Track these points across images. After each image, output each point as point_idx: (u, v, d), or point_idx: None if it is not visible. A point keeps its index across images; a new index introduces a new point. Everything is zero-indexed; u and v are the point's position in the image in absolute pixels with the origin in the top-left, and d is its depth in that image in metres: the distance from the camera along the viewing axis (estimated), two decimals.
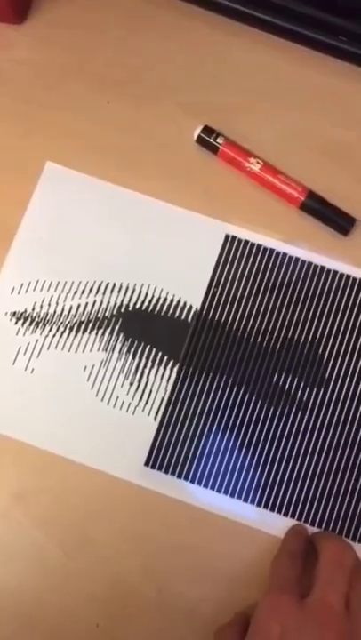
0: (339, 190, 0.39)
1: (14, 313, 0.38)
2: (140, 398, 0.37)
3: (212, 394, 0.37)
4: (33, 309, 0.38)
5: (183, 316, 0.38)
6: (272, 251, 0.39)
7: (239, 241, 0.39)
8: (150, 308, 0.38)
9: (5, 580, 0.35)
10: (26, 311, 0.38)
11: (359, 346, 0.37)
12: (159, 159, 0.40)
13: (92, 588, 0.35)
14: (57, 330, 0.38)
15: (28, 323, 0.38)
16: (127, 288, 0.38)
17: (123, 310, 0.38)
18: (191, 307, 0.38)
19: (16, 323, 0.38)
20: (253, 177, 0.39)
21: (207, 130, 0.39)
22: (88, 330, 0.38)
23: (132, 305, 0.38)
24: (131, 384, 0.37)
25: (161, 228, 0.39)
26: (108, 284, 0.38)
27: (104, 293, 0.38)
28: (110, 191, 0.39)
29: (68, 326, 0.38)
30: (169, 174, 0.40)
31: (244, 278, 0.38)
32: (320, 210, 0.38)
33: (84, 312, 0.38)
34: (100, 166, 0.40)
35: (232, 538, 0.35)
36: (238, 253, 0.39)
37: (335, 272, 0.38)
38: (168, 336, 0.38)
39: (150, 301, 0.38)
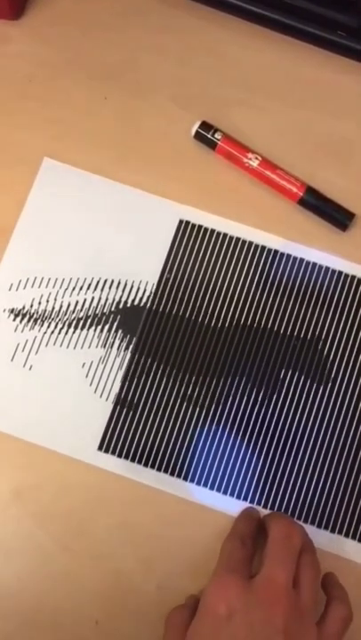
0: (337, 185, 0.39)
1: (12, 310, 0.38)
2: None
3: (170, 383, 0.37)
4: (31, 306, 0.38)
5: (140, 302, 0.38)
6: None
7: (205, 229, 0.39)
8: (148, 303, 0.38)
9: (4, 577, 0.35)
10: (24, 308, 0.38)
11: (302, 323, 0.38)
12: (157, 155, 0.40)
13: (90, 585, 0.35)
14: (55, 326, 0.38)
15: (26, 319, 0.38)
16: (125, 284, 0.38)
17: (121, 306, 0.38)
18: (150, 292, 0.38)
19: (14, 319, 0.38)
20: (252, 172, 0.39)
21: (205, 125, 0.39)
22: (87, 326, 0.38)
23: (130, 301, 0.38)
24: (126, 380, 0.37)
25: (160, 225, 0.39)
26: (106, 280, 0.38)
27: (102, 290, 0.38)
28: (108, 187, 0.39)
29: (67, 323, 0.38)
30: (167, 170, 0.39)
31: (197, 264, 0.38)
32: (319, 205, 0.38)
33: (82, 308, 0.38)
34: (98, 162, 0.39)
35: None
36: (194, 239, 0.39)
37: (289, 256, 0.38)
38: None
39: (148, 297, 0.38)
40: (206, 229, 0.39)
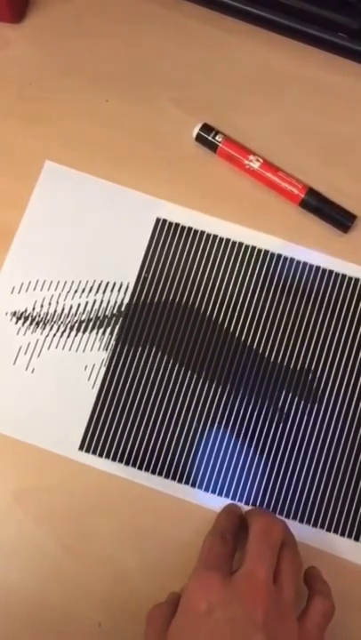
0: (339, 187, 0.39)
1: (15, 312, 0.38)
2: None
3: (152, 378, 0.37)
4: (33, 309, 0.38)
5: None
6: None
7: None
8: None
9: (6, 579, 0.35)
10: (26, 311, 0.38)
11: (289, 328, 0.38)
12: (158, 157, 0.40)
13: (93, 587, 0.35)
14: (57, 329, 0.38)
15: (28, 322, 0.38)
16: (127, 287, 0.38)
17: (123, 309, 0.38)
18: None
19: (16, 322, 0.38)
20: (253, 174, 0.39)
21: (206, 128, 0.39)
22: (89, 329, 0.38)
23: (132, 303, 0.38)
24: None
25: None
26: (108, 282, 0.38)
27: (104, 292, 0.38)
28: (110, 190, 0.39)
29: (69, 325, 0.38)
30: (168, 172, 0.39)
31: (175, 261, 0.38)
32: (320, 207, 0.38)
33: (84, 311, 0.38)
34: (100, 165, 0.39)
35: None
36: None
37: (271, 253, 0.38)
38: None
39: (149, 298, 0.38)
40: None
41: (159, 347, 0.37)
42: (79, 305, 0.38)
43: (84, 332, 0.38)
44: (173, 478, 0.36)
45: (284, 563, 0.31)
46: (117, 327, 0.38)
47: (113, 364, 0.37)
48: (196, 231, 0.39)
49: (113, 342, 0.37)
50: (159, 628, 0.30)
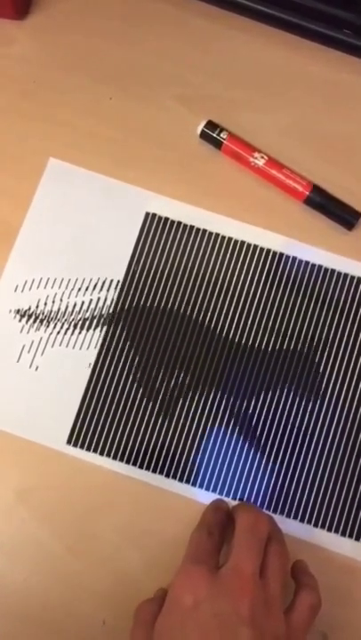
0: (344, 184, 0.39)
1: (18, 310, 0.38)
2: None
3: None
4: (37, 307, 0.38)
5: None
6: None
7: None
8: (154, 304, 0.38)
9: (10, 578, 0.35)
10: (30, 308, 0.38)
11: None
12: (163, 155, 0.40)
13: (97, 585, 0.35)
14: (61, 327, 0.38)
15: (32, 320, 0.38)
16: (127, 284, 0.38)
17: (126, 307, 0.38)
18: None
19: (20, 320, 0.38)
20: (258, 172, 0.39)
21: (211, 125, 0.39)
22: (92, 327, 0.38)
23: (135, 301, 0.38)
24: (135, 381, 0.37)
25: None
26: (112, 280, 0.38)
27: (108, 290, 0.38)
28: (114, 187, 0.39)
29: (73, 323, 0.38)
30: (173, 170, 0.39)
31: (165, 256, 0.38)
32: (325, 204, 0.38)
33: (88, 309, 0.38)
34: (104, 162, 0.39)
35: None
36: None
37: (267, 250, 0.38)
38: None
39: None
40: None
41: (147, 344, 0.37)
42: (83, 303, 0.38)
43: (87, 329, 0.38)
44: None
45: (271, 557, 0.31)
46: (107, 323, 0.38)
47: (101, 360, 0.37)
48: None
49: (101, 339, 0.37)
50: (146, 623, 0.30)
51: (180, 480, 0.36)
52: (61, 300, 0.38)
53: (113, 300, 0.38)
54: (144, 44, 0.41)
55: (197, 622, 0.28)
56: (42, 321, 0.38)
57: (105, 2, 0.42)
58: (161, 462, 0.36)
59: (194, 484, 0.36)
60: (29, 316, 0.38)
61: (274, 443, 0.36)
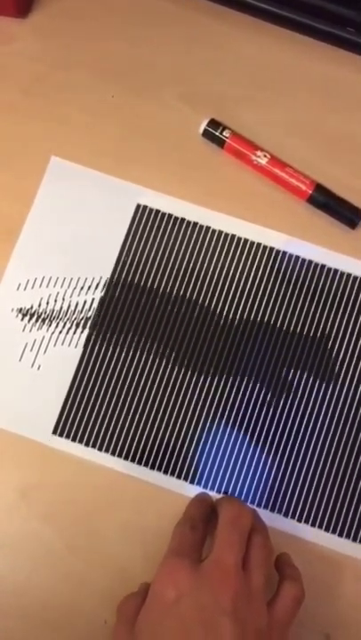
0: (347, 183, 0.39)
1: (20, 309, 0.38)
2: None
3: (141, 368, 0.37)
4: (39, 305, 0.38)
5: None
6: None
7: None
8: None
9: (12, 576, 0.35)
10: (32, 307, 0.38)
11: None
12: (165, 153, 0.39)
13: (98, 584, 0.35)
14: (64, 326, 0.38)
15: (34, 319, 0.38)
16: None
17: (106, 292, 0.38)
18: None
19: (22, 319, 0.38)
20: (260, 170, 0.38)
21: (213, 123, 0.39)
22: (96, 326, 0.38)
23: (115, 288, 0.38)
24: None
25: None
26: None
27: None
28: (116, 185, 0.39)
29: (75, 322, 0.38)
30: (175, 168, 0.39)
31: (155, 249, 0.38)
32: (328, 203, 0.38)
33: (90, 308, 0.38)
34: (106, 160, 0.39)
35: None
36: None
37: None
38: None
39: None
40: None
41: (136, 332, 0.37)
42: (85, 302, 0.38)
43: (90, 329, 0.38)
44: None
45: (254, 549, 0.31)
46: (94, 314, 0.38)
47: (88, 351, 0.37)
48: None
49: (87, 330, 0.37)
50: (129, 617, 0.30)
51: (178, 477, 0.36)
52: (63, 298, 0.38)
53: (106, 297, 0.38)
54: (147, 41, 0.41)
55: (179, 615, 0.28)
56: (44, 320, 0.38)
57: (107, 0, 0.41)
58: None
59: (192, 482, 0.36)
60: (31, 315, 0.38)
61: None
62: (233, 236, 0.38)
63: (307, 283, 0.38)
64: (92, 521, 0.36)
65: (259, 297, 0.38)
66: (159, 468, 0.36)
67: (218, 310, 0.38)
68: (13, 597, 0.35)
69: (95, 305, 0.38)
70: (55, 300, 0.38)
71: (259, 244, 0.38)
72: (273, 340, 0.37)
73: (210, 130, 0.39)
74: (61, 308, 0.38)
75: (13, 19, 0.41)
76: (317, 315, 0.37)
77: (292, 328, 0.37)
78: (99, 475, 0.36)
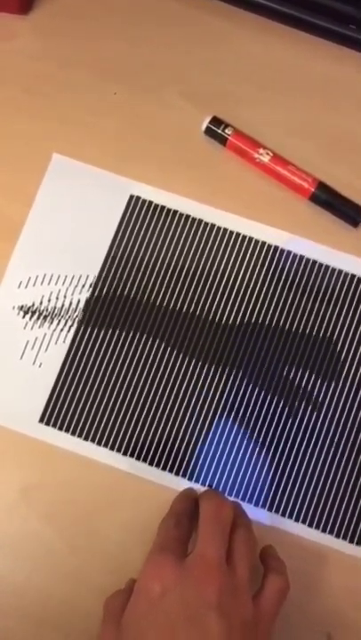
0: (349, 181, 0.39)
1: (22, 307, 0.38)
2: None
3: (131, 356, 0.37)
4: (40, 303, 0.38)
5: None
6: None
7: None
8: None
9: (12, 575, 0.35)
10: (33, 305, 0.38)
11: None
12: (167, 150, 0.39)
13: (99, 583, 0.35)
14: (65, 324, 0.37)
15: (35, 317, 0.38)
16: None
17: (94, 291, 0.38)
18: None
19: (23, 317, 0.38)
20: (262, 168, 0.38)
21: (216, 120, 0.39)
22: (97, 324, 0.38)
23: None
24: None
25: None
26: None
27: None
28: (118, 183, 0.39)
29: (76, 320, 0.38)
30: (177, 165, 0.39)
31: (147, 240, 0.38)
32: (330, 201, 0.38)
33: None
34: (108, 158, 0.39)
35: None
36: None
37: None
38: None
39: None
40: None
41: (131, 327, 0.37)
42: (86, 299, 0.38)
43: (92, 326, 0.38)
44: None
45: (237, 542, 0.31)
46: (83, 306, 0.38)
47: (76, 343, 0.37)
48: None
49: (76, 324, 0.37)
50: (115, 614, 0.30)
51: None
52: (65, 296, 0.38)
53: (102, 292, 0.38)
54: (149, 39, 0.41)
55: (164, 611, 0.28)
56: (45, 317, 0.38)
57: None
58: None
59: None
60: (33, 313, 0.38)
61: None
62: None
63: (308, 281, 0.38)
64: (92, 520, 0.36)
65: (256, 295, 0.38)
66: (151, 462, 0.36)
67: (216, 308, 0.37)
68: (13, 597, 0.35)
69: (86, 300, 0.38)
70: (57, 298, 0.38)
71: (260, 242, 0.38)
72: (275, 338, 0.37)
73: (212, 127, 0.38)
74: (63, 305, 0.38)
75: (15, 15, 0.41)
76: (320, 314, 0.37)
77: (293, 327, 0.37)
78: (99, 474, 0.36)
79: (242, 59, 0.40)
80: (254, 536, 0.32)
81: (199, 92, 0.40)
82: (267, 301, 0.37)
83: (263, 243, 0.38)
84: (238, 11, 0.41)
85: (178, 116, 0.40)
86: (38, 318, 0.38)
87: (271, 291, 0.38)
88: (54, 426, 0.36)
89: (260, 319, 0.37)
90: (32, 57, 0.41)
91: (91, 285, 0.38)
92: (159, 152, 0.39)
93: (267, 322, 0.37)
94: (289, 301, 0.37)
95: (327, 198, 0.38)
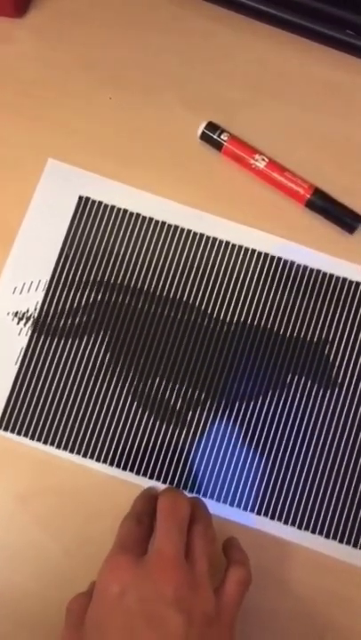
0: (345, 187, 0.38)
1: (16, 313, 0.38)
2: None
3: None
4: (35, 309, 0.38)
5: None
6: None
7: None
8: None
9: (9, 581, 0.35)
10: (28, 311, 0.38)
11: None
12: (162, 156, 0.39)
13: None
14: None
15: (30, 323, 0.38)
16: (131, 287, 0.38)
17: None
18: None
19: (18, 323, 0.38)
20: (258, 174, 0.38)
21: (211, 126, 0.38)
22: (94, 330, 0.38)
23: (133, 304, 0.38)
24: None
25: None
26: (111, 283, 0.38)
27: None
28: (113, 188, 0.39)
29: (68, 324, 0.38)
30: (172, 171, 0.39)
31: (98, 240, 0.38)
32: (326, 207, 0.38)
33: (85, 310, 0.38)
34: (103, 163, 0.39)
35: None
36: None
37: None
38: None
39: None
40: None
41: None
42: (81, 304, 0.38)
43: (89, 333, 0.37)
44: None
45: (195, 537, 0.31)
46: (38, 307, 0.38)
47: (32, 347, 0.37)
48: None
49: (31, 328, 0.37)
50: (77, 616, 0.30)
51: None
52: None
53: (114, 301, 0.38)
54: (145, 43, 0.40)
55: (123, 610, 0.28)
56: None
57: (105, 1, 0.41)
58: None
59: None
60: (28, 319, 0.38)
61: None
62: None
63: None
64: (89, 526, 0.36)
65: (251, 301, 0.38)
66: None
67: (210, 314, 0.37)
68: (11, 602, 0.35)
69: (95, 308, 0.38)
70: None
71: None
72: (270, 344, 0.37)
73: (208, 133, 0.38)
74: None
75: (11, 19, 0.41)
76: (315, 320, 0.37)
77: (288, 333, 0.37)
78: (96, 481, 0.36)
79: (239, 64, 0.40)
80: (213, 530, 0.32)
81: (195, 97, 0.40)
82: (267, 308, 0.37)
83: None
84: (235, 15, 0.40)
85: (174, 122, 0.39)
86: (33, 324, 0.38)
87: (271, 298, 0.38)
88: (12, 431, 0.36)
89: (259, 325, 0.37)
90: (27, 60, 0.40)
91: (86, 289, 0.38)
92: (154, 157, 0.39)
93: (267, 327, 0.37)
94: (282, 306, 0.37)
95: (323, 205, 0.38)
